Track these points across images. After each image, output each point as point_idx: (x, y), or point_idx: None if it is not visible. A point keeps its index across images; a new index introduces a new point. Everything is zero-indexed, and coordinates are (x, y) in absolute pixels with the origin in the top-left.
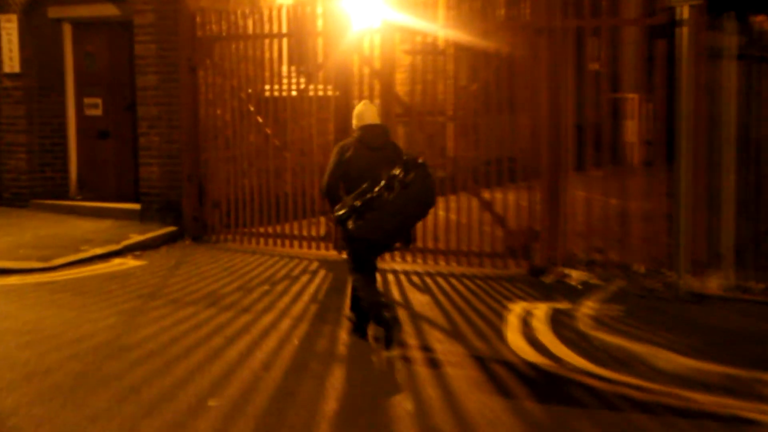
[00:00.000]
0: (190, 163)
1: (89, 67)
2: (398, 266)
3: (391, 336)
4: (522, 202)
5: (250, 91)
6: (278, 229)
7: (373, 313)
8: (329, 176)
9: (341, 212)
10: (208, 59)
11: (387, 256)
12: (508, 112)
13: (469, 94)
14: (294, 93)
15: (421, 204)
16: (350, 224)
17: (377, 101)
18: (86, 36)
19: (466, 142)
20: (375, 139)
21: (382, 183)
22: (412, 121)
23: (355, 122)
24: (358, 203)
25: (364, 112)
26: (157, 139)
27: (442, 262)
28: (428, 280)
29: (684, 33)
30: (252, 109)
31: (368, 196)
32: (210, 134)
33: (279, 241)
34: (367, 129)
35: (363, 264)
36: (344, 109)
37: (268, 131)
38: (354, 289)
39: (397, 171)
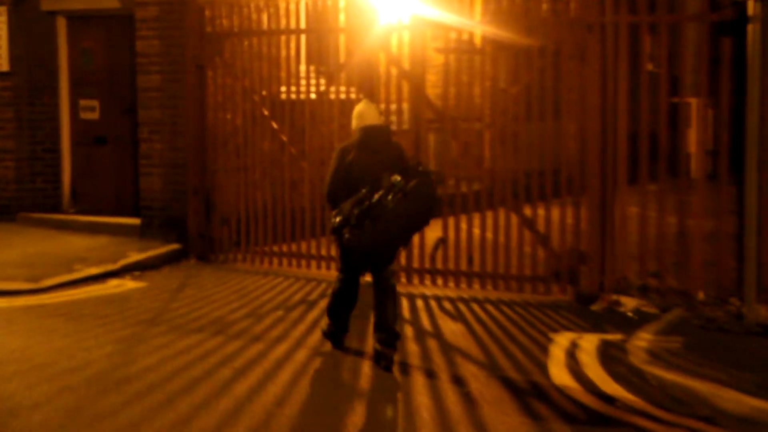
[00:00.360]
0: (197, 173)
1: (86, 66)
2: (428, 291)
3: (332, 338)
4: (567, 219)
5: (264, 93)
6: (294, 248)
7: (329, 321)
8: (330, 182)
9: (337, 220)
10: (217, 57)
11: (415, 279)
12: (552, 118)
13: (508, 97)
14: (313, 96)
15: (422, 214)
16: (346, 234)
17: (406, 105)
18: (83, 31)
19: (505, 152)
20: (376, 140)
21: (381, 191)
22: (444, 128)
23: (355, 123)
24: (355, 211)
25: (365, 112)
26: (160, 146)
27: (477, 287)
28: (462, 307)
29: (754, 30)
30: (266, 113)
31: (366, 204)
32: (219, 141)
33: (295, 261)
34: (367, 130)
35: (352, 274)
36: None
37: (284, 138)
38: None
39: (398, 178)
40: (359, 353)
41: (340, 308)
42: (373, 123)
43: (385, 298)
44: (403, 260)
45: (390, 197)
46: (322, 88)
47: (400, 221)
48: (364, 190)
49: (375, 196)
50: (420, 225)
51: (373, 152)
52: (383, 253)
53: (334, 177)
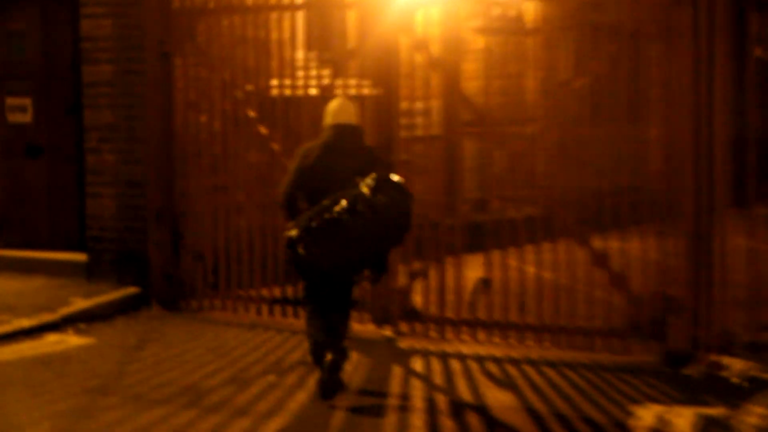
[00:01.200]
0: (161, 194)
1: (14, 54)
2: (467, 348)
3: (329, 383)
4: (651, 253)
5: (249, 88)
6: (290, 291)
7: (314, 353)
8: (286, 185)
9: (292, 233)
10: (188, 42)
11: (450, 332)
12: (630, 120)
13: (571, 93)
14: (314, 91)
15: (392, 231)
16: (300, 249)
17: (435, 104)
18: (10, 10)
19: (567, 165)
20: (347, 142)
21: (344, 203)
22: (486, 134)
23: (327, 120)
24: (313, 224)
25: (339, 109)
26: (112, 159)
27: (531, 343)
28: (511, 370)
29: None
30: (252, 114)
31: (326, 216)
32: (190, 152)
33: (291, 310)
34: (337, 129)
35: (316, 296)
36: (387, 114)
37: (276, 147)
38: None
39: (364, 189)
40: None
41: (315, 329)
42: (345, 122)
43: (323, 317)
44: (433, 308)
45: (355, 211)
46: (326, 81)
47: (365, 238)
48: (326, 202)
49: (336, 209)
50: (389, 244)
51: (341, 156)
52: (344, 272)
53: (291, 181)
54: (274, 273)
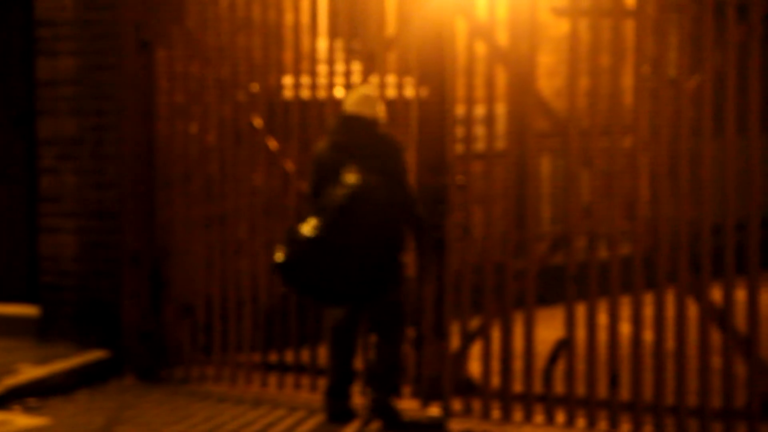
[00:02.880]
0: (138, 228)
1: None
2: (540, 431)
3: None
4: None
5: (255, 89)
6: (305, 357)
7: (328, 389)
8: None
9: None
10: (175, 27)
11: (518, 412)
12: (758, 131)
13: (683, 95)
14: (340, 92)
15: (372, 243)
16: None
17: (501, 108)
18: None
19: (676, 190)
20: (351, 137)
21: (313, 221)
22: (569, 148)
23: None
24: (280, 257)
25: (356, 99)
26: (75, 181)
27: (625, 427)
28: None
29: None
30: (258, 123)
31: (292, 227)
32: (177, 172)
33: (307, 381)
34: (346, 121)
35: (335, 318)
36: (437, 123)
37: (290, 167)
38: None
39: (339, 190)
40: None
41: (336, 351)
42: (358, 113)
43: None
44: (496, 380)
45: (324, 218)
46: (357, 79)
47: (339, 253)
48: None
49: (305, 230)
50: (376, 261)
51: (346, 155)
52: (325, 296)
53: (310, 186)
54: (284, 333)
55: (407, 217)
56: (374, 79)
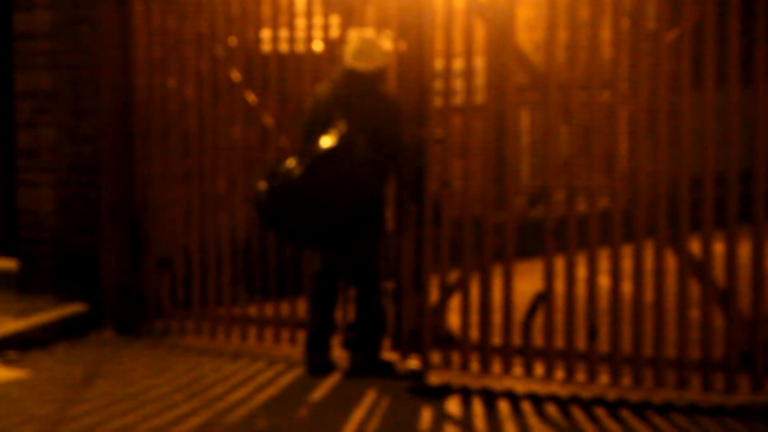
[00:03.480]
0: (117, 182)
1: None
2: (520, 385)
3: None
4: (767, 260)
5: (233, 43)
6: (285, 310)
7: (308, 341)
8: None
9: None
10: None
11: (497, 364)
12: (738, 84)
13: (662, 48)
14: (318, 46)
15: (347, 195)
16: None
17: (480, 62)
18: None
19: (657, 144)
20: (342, 89)
21: (292, 161)
22: (548, 102)
23: (344, 60)
24: (261, 193)
25: (358, 50)
26: (53, 136)
27: (605, 379)
28: (578, 415)
29: None
30: (236, 77)
31: (274, 164)
32: (155, 126)
33: (286, 333)
34: (339, 74)
35: (319, 267)
36: (415, 77)
37: (268, 120)
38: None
39: (324, 140)
40: None
41: (316, 301)
42: (362, 68)
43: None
44: (475, 332)
45: (304, 163)
46: (335, 33)
47: (313, 198)
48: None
49: (282, 169)
50: (349, 209)
51: (343, 109)
52: (299, 238)
53: (303, 139)
54: (264, 285)
55: (395, 174)
56: (353, 33)
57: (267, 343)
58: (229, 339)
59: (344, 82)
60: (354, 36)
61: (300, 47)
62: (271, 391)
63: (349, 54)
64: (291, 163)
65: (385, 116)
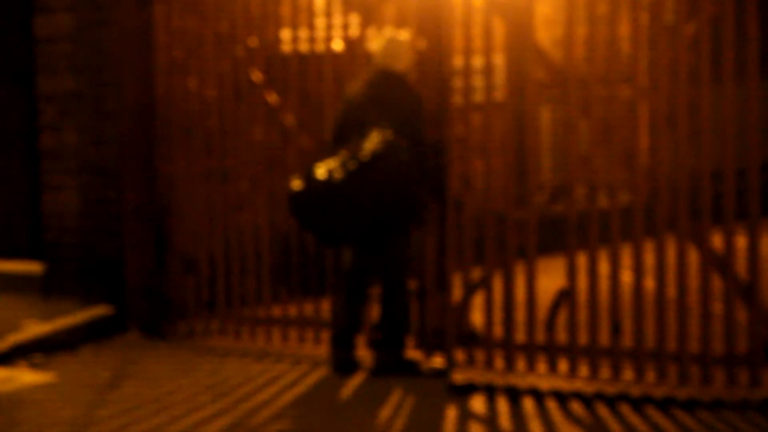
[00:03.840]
0: (140, 184)
1: None
2: (543, 382)
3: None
4: None
5: (253, 44)
6: (310, 310)
7: (333, 338)
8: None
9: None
10: None
11: (521, 362)
12: (757, 77)
13: (682, 43)
14: (338, 46)
15: (384, 196)
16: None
17: (500, 59)
18: None
19: (678, 139)
20: (374, 90)
21: (332, 163)
22: (568, 98)
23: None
24: (297, 190)
25: (384, 52)
26: (76, 138)
27: (629, 375)
28: (603, 412)
29: None
30: (257, 78)
31: (311, 165)
32: (177, 128)
33: (310, 334)
34: (371, 74)
35: (348, 267)
36: (435, 74)
37: (289, 121)
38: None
39: (368, 144)
40: None
41: (346, 297)
42: (391, 68)
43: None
44: (498, 330)
45: (345, 168)
46: (355, 32)
47: (359, 206)
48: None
49: (321, 171)
50: (387, 211)
51: (377, 109)
52: (331, 238)
53: (334, 132)
54: (288, 286)
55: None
56: (371, 32)
57: (291, 343)
58: (254, 340)
59: (377, 83)
60: (384, 36)
61: (320, 47)
62: (297, 391)
63: (381, 54)
64: (331, 164)
65: (414, 112)
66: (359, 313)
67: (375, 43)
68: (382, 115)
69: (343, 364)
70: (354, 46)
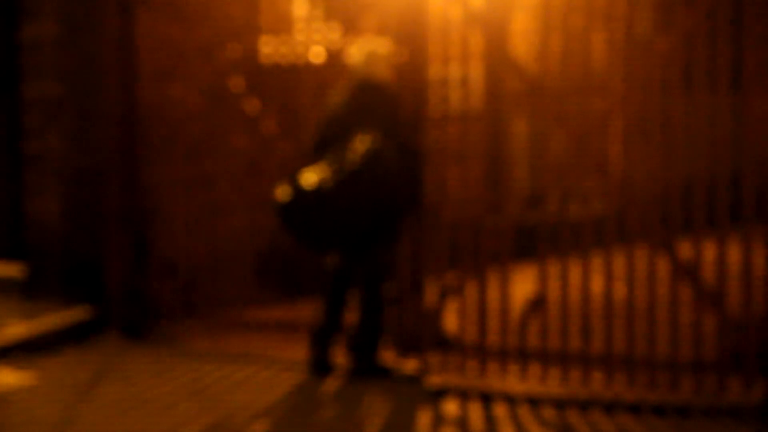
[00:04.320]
0: (122, 188)
1: None
2: (516, 387)
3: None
4: (758, 265)
5: (232, 53)
6: (290, 314)
7: (312, 336)
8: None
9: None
10: None
11: (493, 366)
12: (727, 90)
13: (654, 55)
14: (318, 57)
15: (374, 205)
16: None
17: (476, 70)
18: None
19: (648, 148)
20: (356, 99)
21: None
22: (543, 109)
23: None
24: (286, 199)
25: (365, 62)
26: (59, 144)
27: (599, 380)
28: (573, 417)
29: None
30: (238, 85)
31: (295, 172)
32: (158, 133)
33: (293, 336)
34: (352, 84)
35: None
36: (412, 85)
37: (271, 128)
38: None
39: (353, 151)
40: None
41: (329, 297)
42: (368, 74)
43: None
44: (471, 335)
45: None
46: (336, 43)
47: (338, 208)
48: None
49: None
50: (386, 219)
51: (359, 118)
52: (318, 245)
53: (314, 139)
54: (271, 288)
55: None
56: (355, 44)
57: (274, 345)
58: (236, 342)
59: (359, 92)
60: (364, 46)
61: (300, 59)
62: (275, 393)
63: (361, 63)
64: (318, 172)
65: (396, 119)
66: (339, 316)
67: (356, 54)
68: (365, 124)
69: (320, 364)
70: (333, 57)
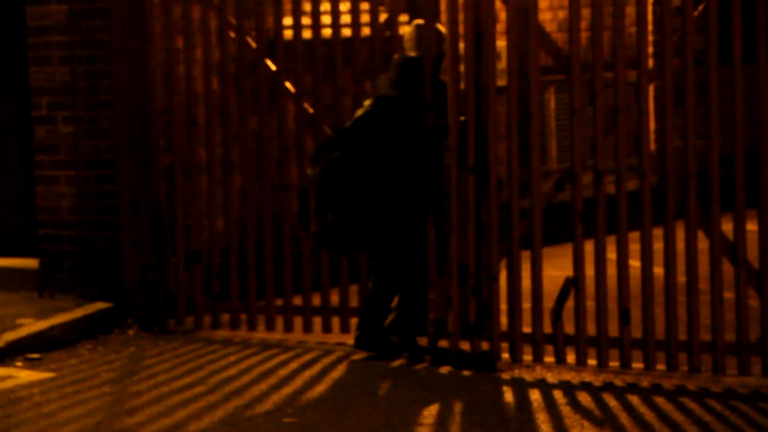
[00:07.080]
0: (136, 175)
1: None
2: (550, 374)
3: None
4: None
5: (253, 31)
6: (335, 299)
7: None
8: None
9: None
10: None
11: (527, 353)
12: (765, 60)
13: (689, 23)
14: (345, 32)
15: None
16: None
17: (502, 44)
18: None
19: (683, 122)
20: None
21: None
22: (574, 84)
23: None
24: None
25: (407, 36)
26: (70, 130)
27: (638, 365)
28: (612, 403)
29: None
30: (271, 64)
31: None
32: (177, 118)
33: (338, 322)
34: (399, 65)
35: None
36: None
37: (306, 107)
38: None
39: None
40: None
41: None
42: (413, 55)
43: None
44: (503, 320)
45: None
46: (362, 17)
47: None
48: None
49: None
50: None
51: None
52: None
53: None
54: (310, 274)
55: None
56: (381, 16)
57: (317, 333)
58: (273, 331)
59: (403, 70)
60: (410, 26)
61: (325, 33)
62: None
63: (409, 42)
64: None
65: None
66: (389, 299)
67: (404, 30)
68: (411, 104)
69: (363, 341)
70: (358, 35)
